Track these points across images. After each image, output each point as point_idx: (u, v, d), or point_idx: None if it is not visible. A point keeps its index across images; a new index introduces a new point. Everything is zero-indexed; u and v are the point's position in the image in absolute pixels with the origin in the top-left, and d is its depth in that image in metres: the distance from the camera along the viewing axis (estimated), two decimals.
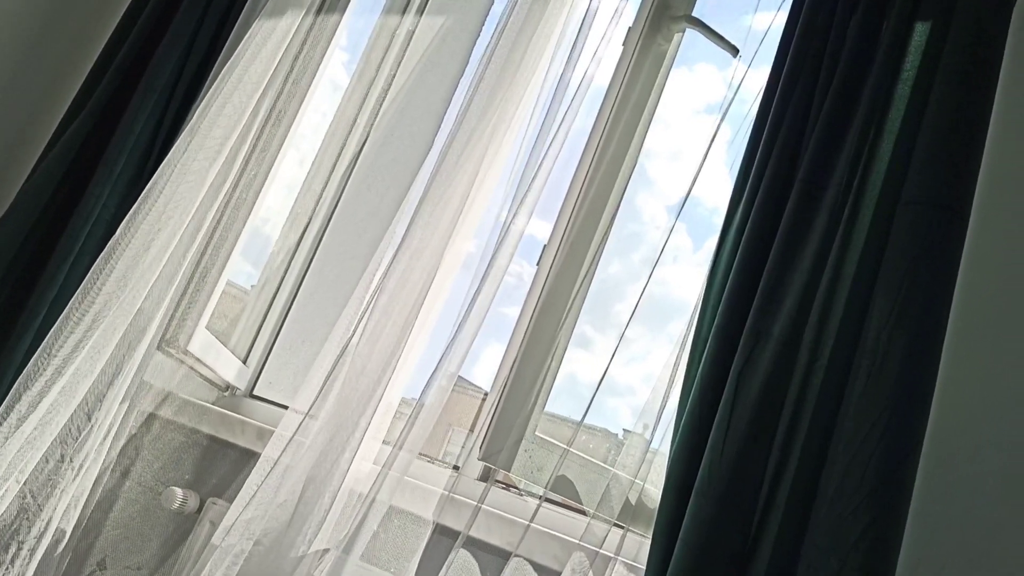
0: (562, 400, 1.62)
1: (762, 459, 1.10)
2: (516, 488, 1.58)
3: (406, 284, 1.45)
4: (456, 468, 1.59)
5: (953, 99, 1.19)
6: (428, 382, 1.43)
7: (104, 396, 1.43)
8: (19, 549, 1.35)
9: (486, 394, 1.64)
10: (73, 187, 1.51)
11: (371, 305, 1.43)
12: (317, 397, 1.38)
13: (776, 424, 1.12)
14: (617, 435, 1.66)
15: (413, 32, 2.11)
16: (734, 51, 1.71)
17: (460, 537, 1.36)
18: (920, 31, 1.26)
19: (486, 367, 1.70)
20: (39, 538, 1.37)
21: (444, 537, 1.41)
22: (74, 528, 1.47)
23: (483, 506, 1.39)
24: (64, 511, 1.43)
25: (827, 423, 1.10)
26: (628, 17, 1.75)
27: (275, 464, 1.35)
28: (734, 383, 1.14)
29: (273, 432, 1.43)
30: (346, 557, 1.32)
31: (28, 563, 1.37)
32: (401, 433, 1.39)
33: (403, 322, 1.44)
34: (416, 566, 1.38)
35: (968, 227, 1.14)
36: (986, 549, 1.17)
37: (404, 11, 2.11)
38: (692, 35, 1.75)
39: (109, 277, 1.41)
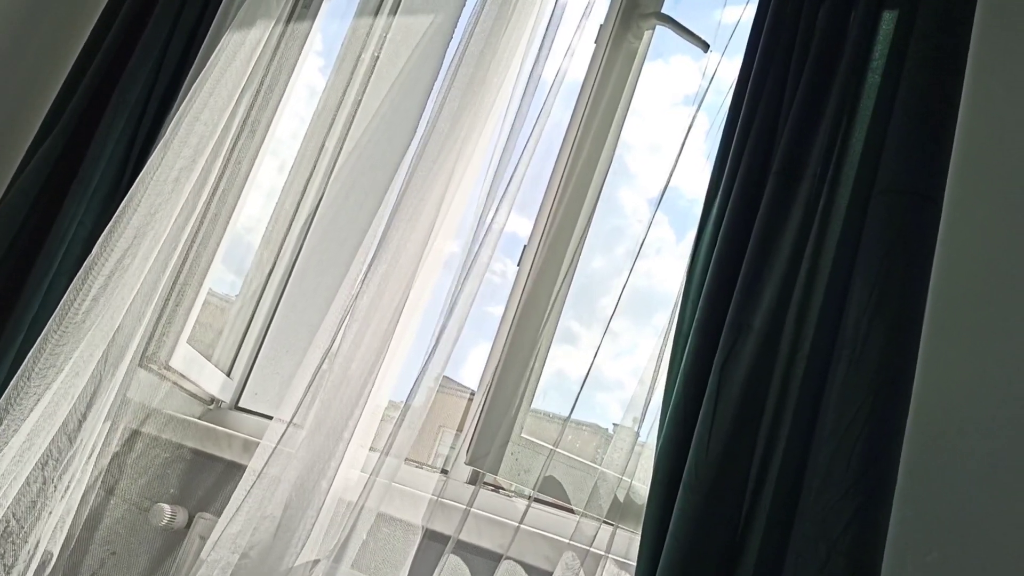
0: (552, 397, 1.62)
1: (748, 451, 1.11)
2: (505, 490, 1.58)
3: (387, 287, 1.44)
4: (444, 472, 1.59)
5: (922, 86, 1.20)
6: (414, 385, 1.43)
7: (86, 416, 1.43)
8: (7, 573, 1.34)
9: (472, 393, 1.64)
10: (48, 206, 1.50)
11: (352, 310, 1.42)
12: (299, 405, 1.38)
13: (760, 416, 1.12)
14: (607, 430, 1.66)
15: (386, 35, 2.10)
16: (704, 46, 1.71)
17: (450, 541, 1.35)
18: (887, 19, 1.27)
19: (474, 367, 1.70)
20: (28, 562, 1.37)
21: (434, 542, 1.41)
22: (62, 549, 1.46)
23: (472, 509, 1.39)
24: (51, 533, 1.42)
25: (811, 413, 1.10)
26: (599, 14, 1.75)
27: (259, 476, 1.34)
28: (717, 377, 1.14)
29: (259, 444, 1.42)
30: (336, 566, 1.32)
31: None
32: (388, 438, 1.38)
33: (386, 325, 1.44)
34: (407, 573, 1.38)
35: (942, 213, 1.15)
36: (973, 531, 1.18)
37: (376, 13, 2.10)
38: (663, 31, 1.75)
39: (88, 296, 1.40)
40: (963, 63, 1.21)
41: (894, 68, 1.23)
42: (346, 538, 1.33)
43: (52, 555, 1.44)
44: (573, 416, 1.41)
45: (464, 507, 1.39)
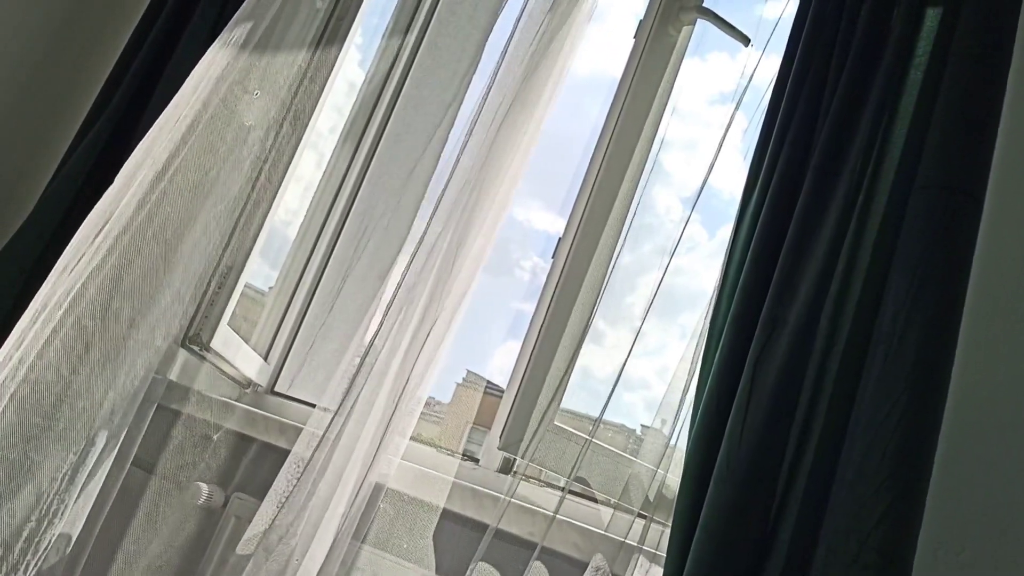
0: (577, 395, 1.62)
1: (780, 445, 1.11)
2: (536, 479, 1.58)
3: (437, 282, 1.45)
4: (476, 461, 1.60)
5: (965, 83, 1.19)
6: (448, 380, 1.44)
7: (127, 393, 1.45)
8: (34, 553, 1.37)
9: (501, 390, 1.65)
10: (94, 192, 1.52)
11: (394, 304, 1.44)
12: (345, 395, 1.39)
13: (794, 410, 1.12)
14: (635, 431, 1.66)
15: (424, 31, 2.12)
16: (745, 40, 1.71)
17: (489, 530, 1.36)
18: (931, 16, 1.26)
19: (500, 363, 1.70)
20: (52, 539, 1.40)
21: (465, 528, 1.42)
22: (102, 526, 1.49)
23: (500, 497, 1.40)
24: (83, 509, 1.45)
25: (845, 407, 1.10)
26: (638, 9, 1.76)
27: (303, 461, 1.36)
28: (751, 370, 1.14)
29: (295, 427, 1.44)
30: (369, 549, 1.33)
31: (44, 560, 1.40)
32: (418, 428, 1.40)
33: (425, 321, 1.45)
34: (434, 556, 1.39)
35: (983, 210, 1.14)
36: (1007, 530, 1.17)
37: (415, 10, 2.12)
38: (703, 25, 1.75)
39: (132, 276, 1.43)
40: (1007, 60, 1.20)
41: (937, 65, 1.22)
42: (377, 521, 1.35)
43: (69, 539, 1.46)
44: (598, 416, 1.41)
45: (503, 496, 1.39)
